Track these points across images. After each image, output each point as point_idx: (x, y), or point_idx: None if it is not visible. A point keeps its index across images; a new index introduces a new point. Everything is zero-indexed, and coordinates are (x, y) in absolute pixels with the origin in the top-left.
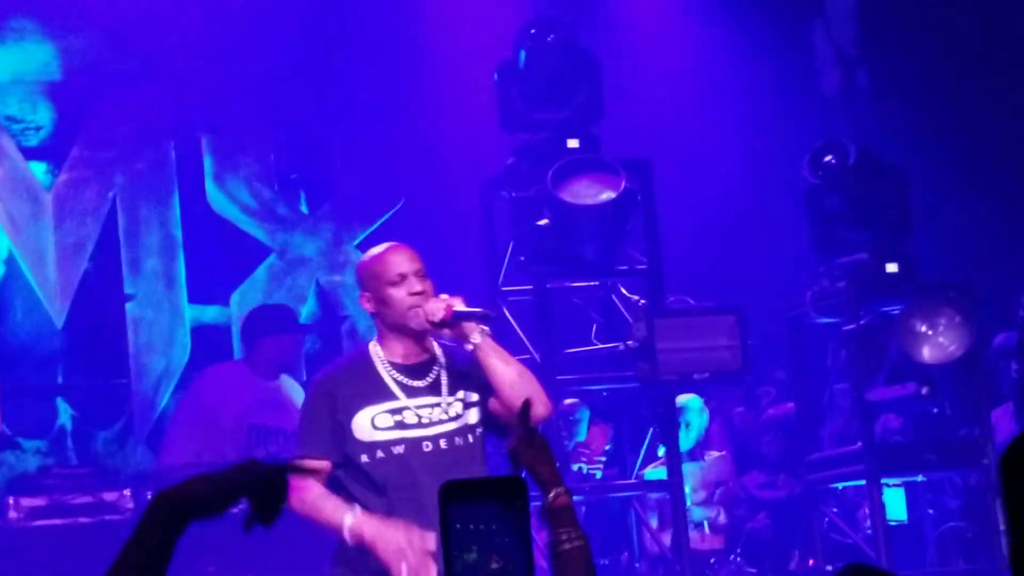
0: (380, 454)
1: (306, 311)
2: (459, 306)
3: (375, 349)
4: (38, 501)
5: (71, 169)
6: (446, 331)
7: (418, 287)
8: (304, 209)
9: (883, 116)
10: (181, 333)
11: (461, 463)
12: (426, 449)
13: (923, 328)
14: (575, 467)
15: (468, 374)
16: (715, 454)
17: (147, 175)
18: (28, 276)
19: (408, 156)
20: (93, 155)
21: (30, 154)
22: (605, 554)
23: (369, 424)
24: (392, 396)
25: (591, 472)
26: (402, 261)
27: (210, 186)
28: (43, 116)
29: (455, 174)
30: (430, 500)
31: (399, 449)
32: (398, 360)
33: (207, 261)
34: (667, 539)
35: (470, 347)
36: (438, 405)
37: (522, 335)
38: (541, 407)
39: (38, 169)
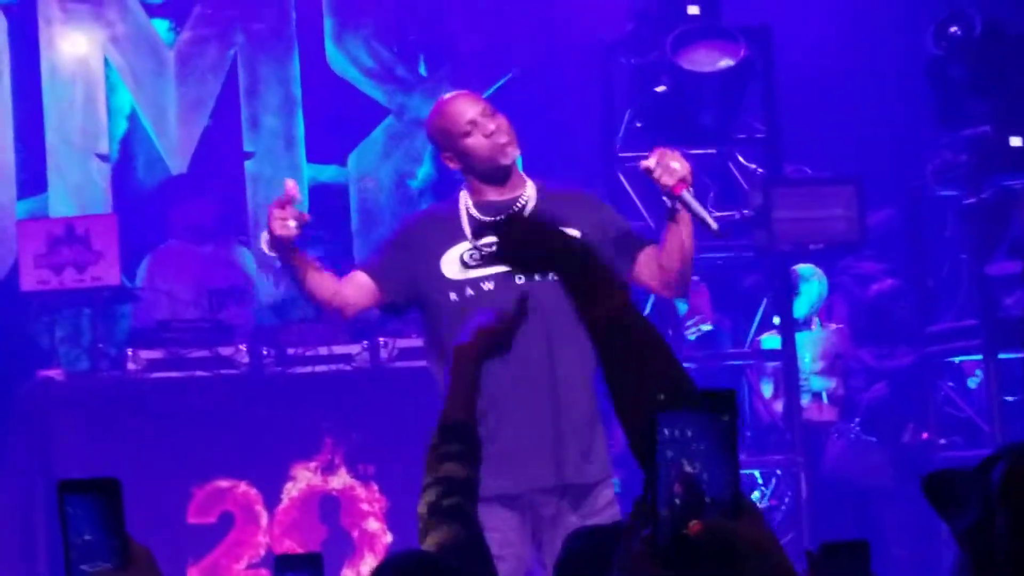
0: (469, 291)
1: (422, 173)
2: (688, 192)
3: (463, 194)
4: (156, 354)
5: (193, 27)
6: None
7: (491, 126)
8: (423, 71)
9: None
10: (299, 192)
11: (557, 294)
12: (519, 281)
13: None
14: (689, 335)
15: (568, 207)
16: (832, 326)
17: (267, 34)
18: (150, 132)
19: (527, 20)
20: (215, 13)
21: (153, 11)
22: None
23: (458, 261)
24: (464, 237)
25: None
26: (465, 108)
27: (330, 46)
28: None
29: (573, 39)
30: (523, 330)
31: (488, 285)
32: (488, 199)
33: (325, 121)
34: (778, 407)
35: (670, 218)
36: None
37: (638, 202)
38: (676, 292)
39: (161, 27)
